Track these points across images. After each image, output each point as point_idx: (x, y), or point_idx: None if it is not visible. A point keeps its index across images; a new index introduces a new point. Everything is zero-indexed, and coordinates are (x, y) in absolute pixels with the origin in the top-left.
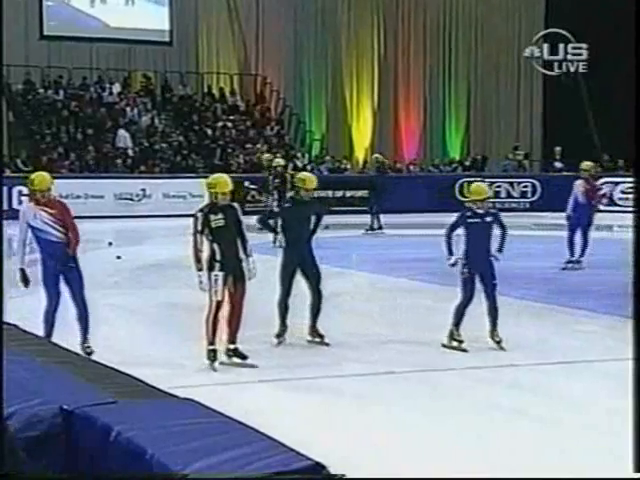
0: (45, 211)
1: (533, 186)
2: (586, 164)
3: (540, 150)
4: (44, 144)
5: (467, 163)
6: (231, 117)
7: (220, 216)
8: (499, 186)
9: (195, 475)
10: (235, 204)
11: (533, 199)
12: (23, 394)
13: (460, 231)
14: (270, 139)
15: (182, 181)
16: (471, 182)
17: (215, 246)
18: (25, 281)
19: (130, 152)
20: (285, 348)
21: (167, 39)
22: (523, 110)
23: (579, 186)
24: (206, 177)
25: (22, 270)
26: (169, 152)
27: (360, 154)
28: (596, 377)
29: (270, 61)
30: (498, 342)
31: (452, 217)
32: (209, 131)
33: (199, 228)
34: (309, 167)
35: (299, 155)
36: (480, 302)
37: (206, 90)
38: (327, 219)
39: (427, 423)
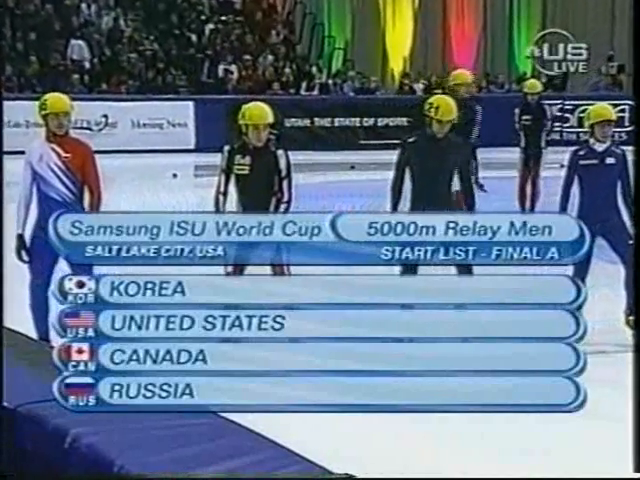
0: (55, 152)
1: (631, 110)
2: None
3: None
4: None
5: (542, 80)
6: (223, 18)
7: (247, 161)
8: (585, 111)
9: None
10: (280, 151)
11: (631, 128)
12: None
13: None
14: (276, 48)
15: (157, 104)
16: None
17: (236, 198)
18: (24, 252)
19: (87, 65)
20: None
21: None
22: (619, 4)
23: None
24: (190, 99)
25: (20, 237)
26: (140, 65)
27: (397, 67)
28: (595, 376)
29: None
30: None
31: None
32: (193, 37)
33: (224, 167)
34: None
35: (314, 70)
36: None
37: None
38: (353, 156)
39: (434, 419)
